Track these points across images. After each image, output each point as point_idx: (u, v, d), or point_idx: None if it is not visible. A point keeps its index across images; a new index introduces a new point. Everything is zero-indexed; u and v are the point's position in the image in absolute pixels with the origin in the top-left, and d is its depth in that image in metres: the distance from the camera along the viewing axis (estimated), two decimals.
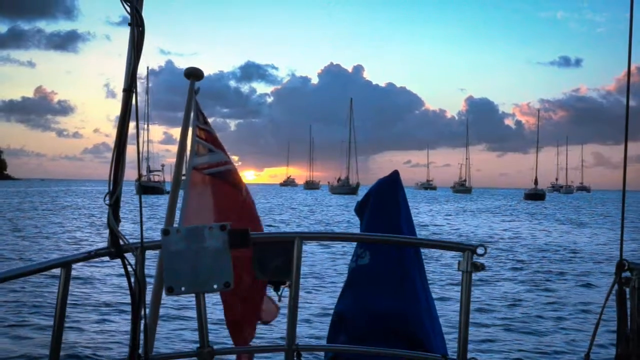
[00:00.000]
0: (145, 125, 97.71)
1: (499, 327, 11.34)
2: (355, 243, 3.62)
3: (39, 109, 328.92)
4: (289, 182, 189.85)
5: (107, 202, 2.34)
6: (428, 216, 47.97)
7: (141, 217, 2.39)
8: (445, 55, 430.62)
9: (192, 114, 3.57)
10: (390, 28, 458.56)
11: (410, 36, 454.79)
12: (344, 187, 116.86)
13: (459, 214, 53.96)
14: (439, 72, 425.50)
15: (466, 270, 2.59)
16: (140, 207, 2.45)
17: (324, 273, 17.56)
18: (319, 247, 21.97)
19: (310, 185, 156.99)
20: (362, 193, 13.32)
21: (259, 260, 2.73)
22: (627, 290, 2.44)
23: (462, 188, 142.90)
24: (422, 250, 3.64)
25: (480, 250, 2.58)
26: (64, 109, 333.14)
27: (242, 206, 3.73)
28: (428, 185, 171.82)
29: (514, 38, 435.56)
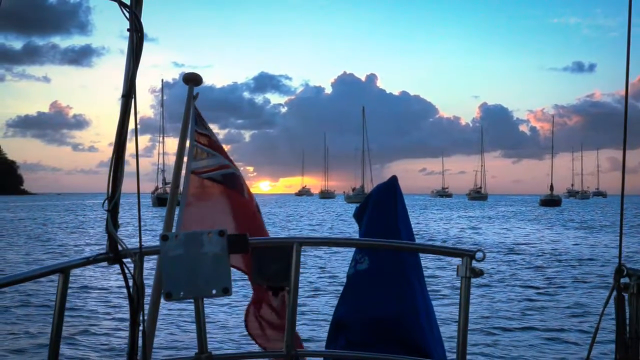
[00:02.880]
0: (161, 138, 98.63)
1: (500, 331, 11.31)
2: (354, 248, 3.61)
3: (54, 124, 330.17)
4: (304, 192, 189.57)
5: (106, 207, 2.36)
6: (445, 224, 47.71)
7: (139, 222, 2.41)
8: (458, 62, 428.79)
9: (190, 119, 3.60)
10: (403, 37, 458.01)
11: (423, 44, 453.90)
12: (359, 196, 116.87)
13: (475, 220, 53.53)
14: (452, 79, 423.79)
15: (465, 275, 2.57)
16: (139, 210, 2.47)
17: (323, 278, 17.60)
18: (318, 252, 22.13)
19: (325, 194, 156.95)
20: None
21: (257, 265, 2.74)
22: (626, 296, 2.43)
23: (477, 195, 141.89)
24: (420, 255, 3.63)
25: (479, 255, 2.56)
26: (79, 123, 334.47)
27: (244, 209, 3.74)
28: (444, 193, 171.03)
29: (526, 44, 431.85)
